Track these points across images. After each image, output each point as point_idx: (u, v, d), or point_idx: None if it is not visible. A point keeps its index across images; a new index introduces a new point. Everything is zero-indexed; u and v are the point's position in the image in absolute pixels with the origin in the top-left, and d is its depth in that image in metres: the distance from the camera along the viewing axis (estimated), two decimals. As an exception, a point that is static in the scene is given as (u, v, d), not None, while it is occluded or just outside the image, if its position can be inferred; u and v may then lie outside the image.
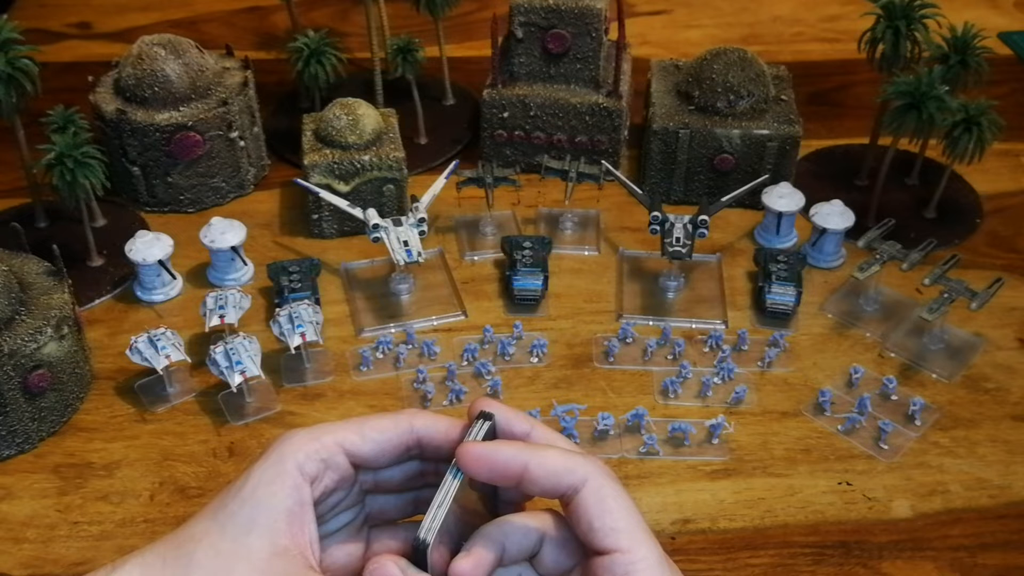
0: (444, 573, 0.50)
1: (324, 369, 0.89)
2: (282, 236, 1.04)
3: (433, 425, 0.55)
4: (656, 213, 0.93)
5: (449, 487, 0.51)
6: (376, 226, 0.94)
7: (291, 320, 0.86)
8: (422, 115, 1.15)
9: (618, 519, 0.50)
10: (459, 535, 0.54)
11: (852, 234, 0.97)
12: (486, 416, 0.53)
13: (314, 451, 0.52)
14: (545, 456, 0.51)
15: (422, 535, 0.50)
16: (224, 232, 0.95)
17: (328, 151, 0.99)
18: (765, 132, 1.03)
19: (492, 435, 0.53)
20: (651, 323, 0.94)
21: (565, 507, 0.51)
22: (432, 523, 0.50)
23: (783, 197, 1.00)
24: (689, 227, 0.92)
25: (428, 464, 0.57)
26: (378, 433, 0.54)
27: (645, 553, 0.49)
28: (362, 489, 0.57)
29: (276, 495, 0.50)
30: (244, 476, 0.52)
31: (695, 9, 1.45)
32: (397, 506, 0.58)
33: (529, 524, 0.52)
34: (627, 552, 0.49)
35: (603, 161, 1.03)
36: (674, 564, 0.52)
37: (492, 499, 0.56)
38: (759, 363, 0.89)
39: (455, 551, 0.53)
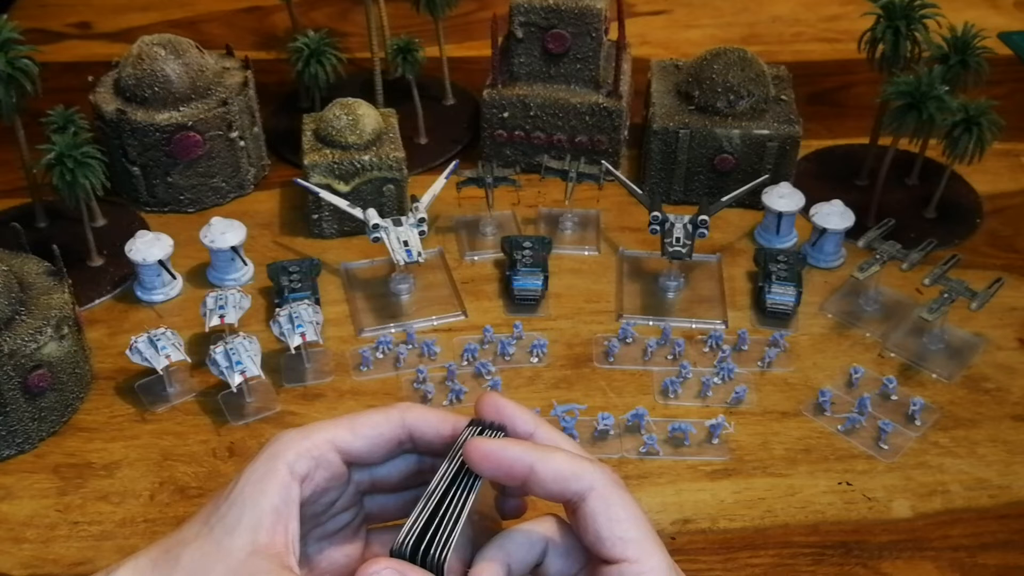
0: None
1: (324, 369, 0.89)
2: (282, 236, 1.04)
3: (425, 419, 0.55)
4: (656, 213, 0.93)
5: (455, 497, 0.50)
6: (376, 226, 0.94)
7: (291, 320, 0.86)
8: (422, 115, 1.15)
9: (627, 528, 0.49)
10: (465, 537, 0.53)
11: (852, 234, 0.97)
12: (497, 428, 0.53)
13: (305, 450, 0.52)
14: (552, 459, 0.50)
15: (407, 540, 0.49)
16: (224, 232, 0.95)
17: (328, 151, 0.99)
18: (765, 132, 1.03)
19: None
20: (651, 323, 0.94)
21: (571, 514, 0.51)
22: (447, 536, 0.49)
23: (783, 197, 1.00)
24: (689, 227, 0.92)
25: (425, 462, 0.56)
26: (369, 429, 0.54)
27: (654, 563, 0.49)
28: (359, 490, 0.56)
29: (264, 493, 0.50)
30: (236, 478, 0.52)
31: (695, 9, 1.45)
32: (397, 505, 0.58)
33: (533, 536, 0.51)
34: (635, 562, 0.49)
35: (603, 161, 1.03)
36: (682, 571, 0.51)
37: (499, 493, 0.56)
38: (759, 363, 0.89)
39: (460, 553, 0.52)
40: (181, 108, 1.02)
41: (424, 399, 0.86)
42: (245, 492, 0.50)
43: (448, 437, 0.54)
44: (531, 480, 0.50)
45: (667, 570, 0.49)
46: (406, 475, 0.57)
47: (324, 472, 0.53)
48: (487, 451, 0.50)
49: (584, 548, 0.51)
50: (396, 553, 0.49)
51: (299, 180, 1.00)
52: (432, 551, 0.48)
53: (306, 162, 0.99)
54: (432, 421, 0.55)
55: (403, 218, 0.95)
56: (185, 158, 1.03)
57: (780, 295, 0.92)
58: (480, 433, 0.53)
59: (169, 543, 0.51)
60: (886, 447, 0.82)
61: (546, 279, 0.95)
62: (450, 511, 0.49)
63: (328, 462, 0.53)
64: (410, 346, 0.91)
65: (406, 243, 0.93)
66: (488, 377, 0.88)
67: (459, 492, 0.50)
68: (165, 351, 0.84)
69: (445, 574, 0.48)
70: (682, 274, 0.97)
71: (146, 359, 0.84)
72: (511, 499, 0.56)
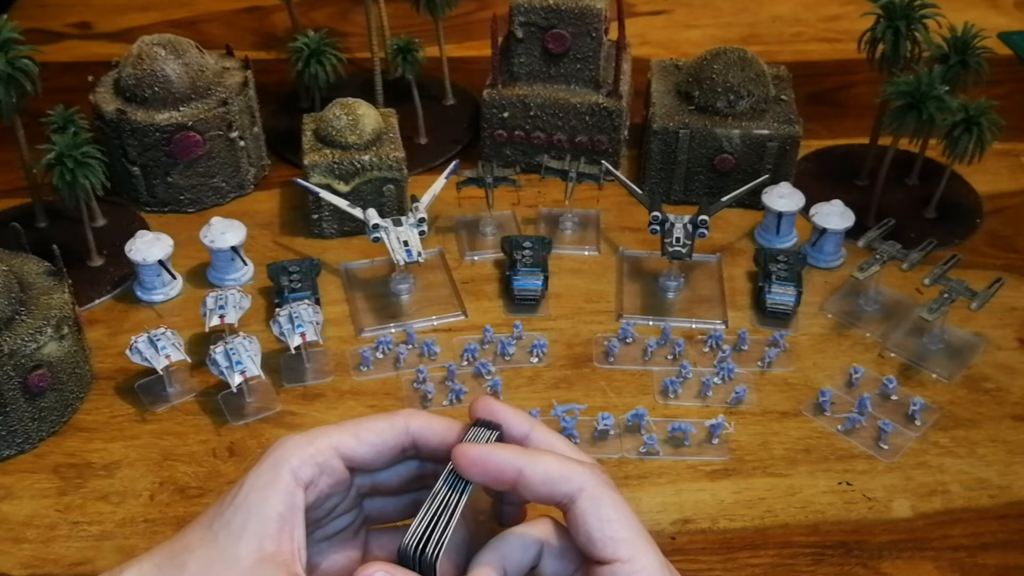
0: None
1: (324, 369, 0.89)
2: (282, 236, 1.04)
3: (429, 427, 0.54)
4: (656, 213, 0.93)
5: (447, 499, 0.50)
6: (376, 226, 0.94)
7: (291, 320, 0.86)
8: (422, 115, 1.15)
9: (617, 528, 0.49)
10: (461, 539, 0.54)
11: (852, 234, 0.97)
12: (493, 426, 0.53)
13: (309, 456, 0.52)
14: (540, 462, 0.50)
15: (410, 543, 0.49)
16: (224, 232, 0.95)
17: (328, 151, 0.99)
18: (765, 132, 1.03)
19: None
20: (651, 323, 0.94)
21: (563, 515, 0.51)
22: (440, 536, 0.49)
23: (783, 197, 1.00)
24: (689, 227, 0.92)
25: (426, 466, 0.56)
26: (374, 435, 0.54)
27: (646, 562, 0.49)
28: (359, 493, 0.56)
29: (268, 500, 0.50)
30: (239, 482, 0.51)
31: (695, 9, 1.45)
32: (396, 508, 0.58)
33: (527, 538, 0.51)
34: (627, 562, 0.49)
35: (603, 161, 1.03)
36: (675, 569, 0.51)
37: (497, 500, 0.56)
38: (759, 363, 0.89)
39: (455, 557, 0.52)
40: (181, 108, 1.02)
41: (424, 399, 0.86)
42: (250, 499, 0.50)
43: (452, 444, 0.54)
44: (520, 484, 0.50)
45: (659, 568, 0.49)
46: (407, 480, 0.57)
47: (328, 478, 0.53)
48: (475, 456, 0.50)
49: (578, 548, 0.51)
50: (401, 554, 0.49)
51: (299, 180, 1.00)
52: (427, 551, 0.48)
53: (306, 162, 0.99)
54: (437, 429, 0.54)
55: (403, 218, 0.95)
56: (185, 158, 1.03)
57: (780, 295, 0.92)
58: (492, 436, 0.52)
59: (173, 548, 0.51)
60: (886, 447, 0.82)
61: (546, 279, 0.95)
62: (444, 514, 0.50)
63: (332, 468, 0.53)
64: (410, 346, 0.91)
65: (406, 243, 0.93)
66: (488, 377, 0.88)
67: (453, 495, 0.50)
68: (165, 351, 0.84)
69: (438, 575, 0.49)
70: (682, 274, 0.97)
71: (146, 359, 0.84)
72: (509, 506, 0.56)
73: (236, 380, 0.82)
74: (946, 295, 0.88)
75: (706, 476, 0.80)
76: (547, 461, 0.50)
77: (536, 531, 0.52)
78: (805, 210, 1.00)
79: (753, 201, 1.03)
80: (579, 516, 0.49)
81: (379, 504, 0.58)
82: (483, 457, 0.50)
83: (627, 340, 0.91)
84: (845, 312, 0.95)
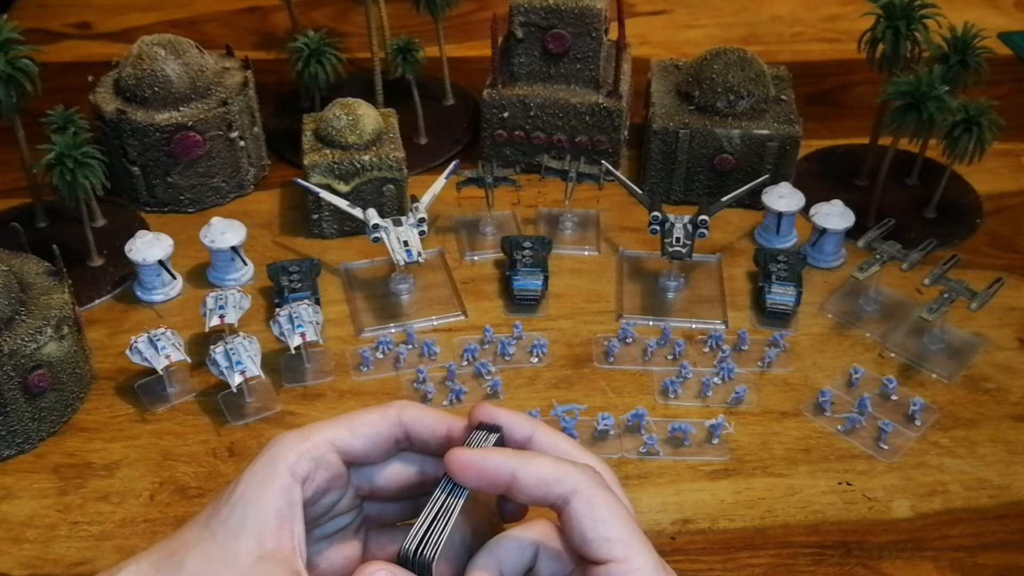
0: None
1: (324, 369, 0.89)
2: (282, 236, 1.04)
3: (420, 418, 0.55)
4: (656, 213, 0.93)
5: (446, 502, 0.50)
6: (376, 226, 0.94)
7: (291, 320, 0.86)
8: (422, 115, 1.15)
9: (611, 529, 0.49)
10: (460, 541, 0.53)
11: (852, 234, 0.97)
12: (493, 428, 0.53)
13: (305, 451, 0.52)
14: (533, 465, 0.50)
15: (409, 546, 0.49)
16: (224, 232, 0.95)
17: (328, 151, 0.99)
18: (765, 132, 1.03)
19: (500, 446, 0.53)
20: (651, 323, 0.94)
21: (558, 517, 0.51)
22: (437, 538, 0.49)
23: (783, 197, 1.00)
24: (689, 227, 0.92)
25: (427, 472, 0.56)
26: (367, 427, 0.54)
27: (641, 562, 0.49)
28: (358, 494, 0.56)
29: (265, 496, 0.50)
30: (236, 480, 0.51)
31: (695, 9, 1.45)
32: (396, 511, 0.58)
33: (523, 540, 0.51)
34: (622, 562, 0.49)
35: (603, 161, 1.03)
36: (671, 569, 0.51)
37: (499, 497, 0.56)
38: (759, 363, 0.89)
39: (454, 560, 0.52)
40: (181, 108, 1.02)
41: (424, 399, 0.86)
42: (247, 496, 0.50)
43: (443, 437, 0.54)
44: (514, 487, 0.50)
45: (654, 569, 0.49)
46: (406, 485, 0.57)
47: (324, 473, 0.53)
48: (467, 462, 0.50)
49: (574, 549, 0.51)
50: (401, 558, 0.49)
51: (299, 180, 1.00)
52: (424, 553, 0.48)
53: (306, 162, 0.99)
54: (428, 421, 0.55)
55: (403, 218, 0.95)
56: (185, 158, 1.03)
57: (780, 295, 0.92)
58: (491, 439, 0.52)
59: (171, 546, 0.51)
60: (886, 447, 0.82)
61: (546, 279, 0.95)
62: (442, 516, 0.50)
63: (328, 463, 0.53)
64: (410, 346, 0.91)
65: (406, 243, 0.93)
66: (488, 377, 0.88)
67: (451, 498, 0.50)
68: (165, 351, 0.84)
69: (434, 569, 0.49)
70: (682, 274, 0.97)
71: (146, 359, 0.84)
72: (511, 503, 0.56)
73: (236, 380, 0.82)
74: (946, 295, 0.88)
75: (706, 476, 0.80)
76: (540, 464, 0.50)
77: (532, 533, 0.52)
78: (805, 210, 1.00)
79: (753, 201, 1.03)
80: (573, 517, 0.49)
81: (378, 507, 0.58)
82: (475, 462, 0.50)
83: (627, 340, 0.91)
84: (845, 312, 0.95)
